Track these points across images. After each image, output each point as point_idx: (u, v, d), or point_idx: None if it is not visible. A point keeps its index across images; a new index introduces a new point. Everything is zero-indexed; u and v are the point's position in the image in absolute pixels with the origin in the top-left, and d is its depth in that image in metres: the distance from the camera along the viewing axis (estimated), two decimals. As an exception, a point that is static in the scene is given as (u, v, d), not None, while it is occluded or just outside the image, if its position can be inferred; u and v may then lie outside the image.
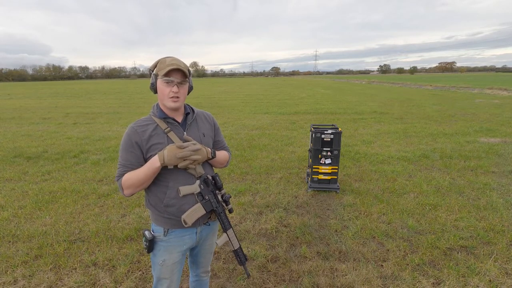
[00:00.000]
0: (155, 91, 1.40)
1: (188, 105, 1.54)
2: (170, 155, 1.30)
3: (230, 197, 1.48)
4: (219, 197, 1.46)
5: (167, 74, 1.32)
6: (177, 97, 1.36)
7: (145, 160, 1.39)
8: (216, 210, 1.44)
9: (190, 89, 1.47)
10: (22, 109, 14.42)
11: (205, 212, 1.41)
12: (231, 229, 1.49)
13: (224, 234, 1.48)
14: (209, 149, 1.44)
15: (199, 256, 1.68)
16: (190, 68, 1.43)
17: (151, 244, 1.45)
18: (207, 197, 1.42)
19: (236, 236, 1.51)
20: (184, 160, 1.33)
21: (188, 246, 1.53)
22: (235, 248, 1.51)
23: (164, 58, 1.38)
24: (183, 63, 1.38)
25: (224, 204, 1.48)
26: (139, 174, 1.34)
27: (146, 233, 1.45)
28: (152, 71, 1.38)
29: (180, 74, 1.34)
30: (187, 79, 1.37)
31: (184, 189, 1.38)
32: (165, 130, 1.38)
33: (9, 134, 8.27)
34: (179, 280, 1.59)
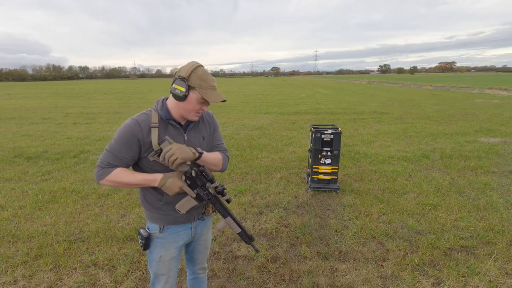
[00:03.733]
0: (183, 100, 1.30)
1: None
2: (168, 190, 1.32)
3: (225, 188, 1.42)
4: (212, 190, 1.41)
5: (210, 98, 1.29)
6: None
7: (139, 156, 1.35)
8: (209, 202, 1.43)
9: None
10: (22, 109, 14.42)
11: (196, 203, 1.40)
12: (229, 216, 1.47)
13: (223, 221, 1.47)
14: (193, 148, 1.35)
15: (195, 252, 1.69)
16: None
17: (147, 242, 1.46)
18: (196, 192, 1.38)
19: (236, 221, 1.48)
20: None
21: (183, 241, 1.54)
22: (237, 232, 1.50)
23: (205, 73, 1.29)
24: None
25: (220, 196, 1.43)
26: (133, 180, 1.33)
27: (142, 231, 1.46)
28: (186, 80, 1.27)
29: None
30: None
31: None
32: (151, 125, 1.32)
33: (9, 134, 8.27)
34: (175, 275, 1.61)
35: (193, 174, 1.34)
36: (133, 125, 1.30)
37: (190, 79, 1.27)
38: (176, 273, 1.60)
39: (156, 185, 1.32)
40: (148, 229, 1.49)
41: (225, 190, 1.42)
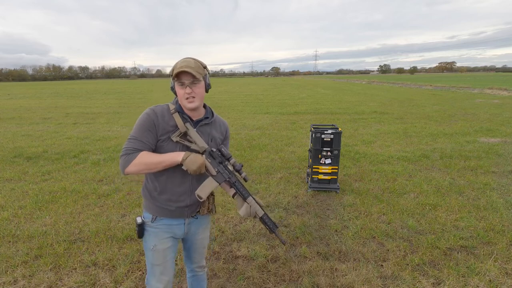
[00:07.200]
0: (176, 94, 1.44)
1: (211, 109, 1.57)
2: (191, 163, 1.34)
3: (242, 165, 1.46)
4: (230, 167, 1.46)
5: (177, 76, 1.36)
6: (193, 97, 1.39)
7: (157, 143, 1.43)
8: (230, 181, 1.45)
9: (208, 87, 1.47)
10: (22, 109, 14.41)
11: (218, 184, 1.43)
12: (251, 197, 1.48)
13: (245, 204, 1.46)
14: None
15: (191, 251, 1.71)
16: (205, 65, 1.44)
17: (140, 229, 1.50)
18: (216, 170, 1.43)
19: (259, 203, 1.48)
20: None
21: (177, 235, 1.57)
22: (260, 216, 1.48)
23: (179, 60, 1.41)
24: (195, 62, 1.39)
25: (237, 173, 1.48)
26: (158, 158, 1.38)
27: (137, 218, 1.51)
28: (171, 75, 1.42)
29: (189, 75, 1.36)
30: (198, 79, 1.37)
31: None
32: (172, 111, 1.42)
33: (9, 134, 8.27)
34: (172, 269, 1.61)
35: (213, 150, 1.43)
36: (150, 113, 1.41)
37: (172, 73, 1.40)
38: (172, 267, 1.61)
39: (179, 159, 1.36)
40: (143, 217, 1.53)
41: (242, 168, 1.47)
